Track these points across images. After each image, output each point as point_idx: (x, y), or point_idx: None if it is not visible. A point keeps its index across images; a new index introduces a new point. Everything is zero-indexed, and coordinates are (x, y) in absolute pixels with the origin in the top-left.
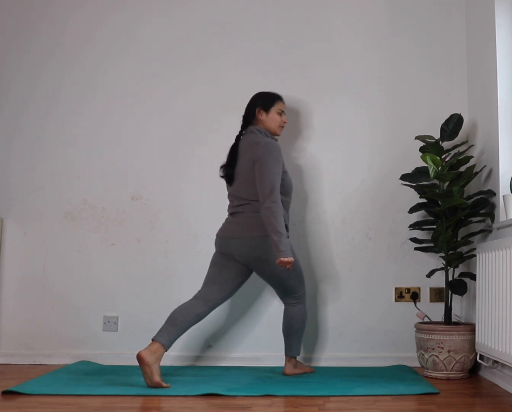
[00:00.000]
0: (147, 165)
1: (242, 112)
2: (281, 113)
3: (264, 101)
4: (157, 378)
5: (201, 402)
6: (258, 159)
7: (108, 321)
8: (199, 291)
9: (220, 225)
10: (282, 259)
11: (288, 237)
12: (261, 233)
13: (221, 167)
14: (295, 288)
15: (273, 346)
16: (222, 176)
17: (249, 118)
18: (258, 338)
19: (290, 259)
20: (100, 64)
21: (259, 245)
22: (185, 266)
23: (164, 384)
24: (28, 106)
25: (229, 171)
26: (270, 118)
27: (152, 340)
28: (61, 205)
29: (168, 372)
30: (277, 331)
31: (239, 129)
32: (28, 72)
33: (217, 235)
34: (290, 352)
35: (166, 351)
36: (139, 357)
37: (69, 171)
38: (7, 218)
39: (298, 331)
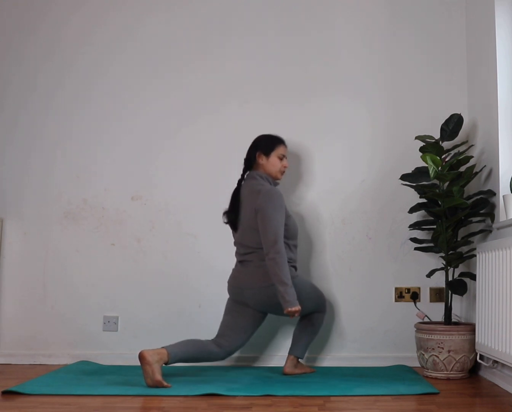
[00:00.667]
0: (147, 165)
1: (242, 113)
2: (282, 157)
3: (264, 145)
4: (158, 376)
5: (201, 402)
6: (259, 210)
7: (108, 321)
8: (216, 337)
9: (220, 225)
10: (289, 309)
11: (296, 270)
12: (272, 281)
13: (224, 213)
14: (316, 309)
15: (274, 346)
16: (225, 223)
17: (250, 161)
18: (259, 338)
19: (297, 308)
20: (99, 64)
21: (274, 292)
22: (185, 266)
23: (165, 383)
24: (27, 106)
25: (232, 217)
26: (271, 163)
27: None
28: (61, 205)
29: (169, 372)
30: (277, 331)
31: (241, 173)
32: (28, 72)
33: (229, 283)
34: (295, 351)
35: (168, 361)
36: (140, 355)
37: (69, 171)
38: (7, 218)
39: (310, 334)
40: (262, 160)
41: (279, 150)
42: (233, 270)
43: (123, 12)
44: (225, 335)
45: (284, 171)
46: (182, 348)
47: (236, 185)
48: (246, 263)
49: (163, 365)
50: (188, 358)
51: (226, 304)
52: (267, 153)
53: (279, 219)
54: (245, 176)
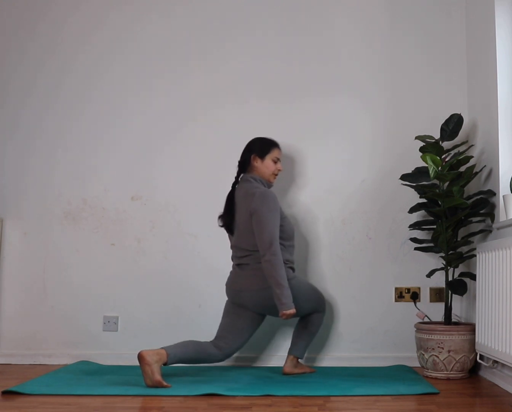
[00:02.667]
0: (147, 165)
1: (242, 112)
2: (276, 160)
3: (260, 148)
4: (157, 377)
5: (201, 402)
6: (254, 212)
7: (108, 321)
8: (215, 339)
9: (219, 225)
10: (284, 311)
11: (294, 271)
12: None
13: (219, 217)
14: (314, 310)
15: (273, 346)
16: (221, 226)
17: (245, 164)
18: (258, 338)
19: (292, 311)
20: (99, 64)
21: (272, 294)
22: (185, 266)
23: (164, 383)
24: (27, 106)
25: (227, 220)
26: (265, 166)
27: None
28: (61, 205)
29: (169, 372)
30: (277, 331)
31: (235, 175)
32: (28, 72)
33: (227, 285)
34: (295, 351)
35: (167, 362)
36: (140, 356)
37: (69, 171)
38: (7, 218)
39: (310, 334)
40: (257, 162)
41: (274, 153)
42: (231, 272)
43: (123, 12)
44: (224, 337)
45: (277, 174)
46: (181, 349)
47: (230, 188)
48: (243, 266)
49: (162, 365)
50: (187, 359)
51: (225, 306)
52: (262, 156)
53: (274, 220)
54: (239, 179)
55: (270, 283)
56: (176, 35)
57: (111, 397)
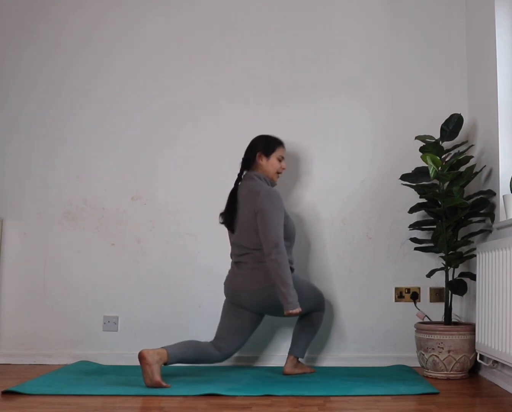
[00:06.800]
0: (147, 165)
1: (242, 113)
2: (281, 159)
3: (265, 146)
4: (157, 377)
5: (201, 402)
6: (259, 211)
7: (108, 321)
8: (214, 339)
9: (220, 225)
10: (290, 311)
11: (293, 271)
12: (268, 283)
13: (221, 214)
14: (314, 308)
15: (273, 346)
16: (221, 223)
17: (249, 161)
18: (258, 338)
19: (298, 310)
20: (100, 64)
21: (270, 294)
22: (185, 266)
23: (164, 384)
24: (27, 106)
25: (228, 218)
26: (270, 164)
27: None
28: (61, 205)
29: (168, 372)
30: (277, 331)
31: (238, 173)
32: (28, 72)
33: (225, 285)
34: (295, 351)
35: (167, 362)
36: (140, 355)
37: (69, 171)
38: (7, 218)
39: (309, 334)
40: (262, 160)
41: (279, 151)
42: (229, 271)
43: (123, 12)
44: (223, 337)
45: (280, 173)
46: (181, 349)
47: (233, 185)
48: (241, 264)
49: (162, 365)
50: (187, 359)
51: (223, 306)
52: (267, 154)
53: (280, 219)
54: (243, 176)
55: (276, 282)
56: (177, 36)
57: (111, 397)
